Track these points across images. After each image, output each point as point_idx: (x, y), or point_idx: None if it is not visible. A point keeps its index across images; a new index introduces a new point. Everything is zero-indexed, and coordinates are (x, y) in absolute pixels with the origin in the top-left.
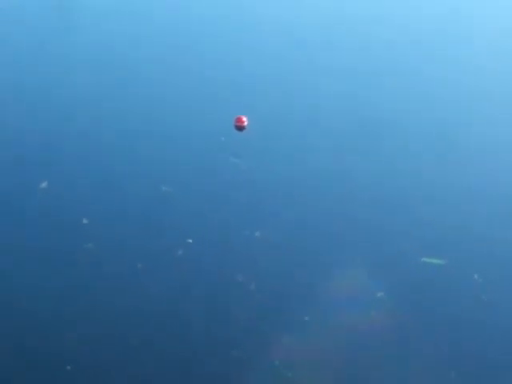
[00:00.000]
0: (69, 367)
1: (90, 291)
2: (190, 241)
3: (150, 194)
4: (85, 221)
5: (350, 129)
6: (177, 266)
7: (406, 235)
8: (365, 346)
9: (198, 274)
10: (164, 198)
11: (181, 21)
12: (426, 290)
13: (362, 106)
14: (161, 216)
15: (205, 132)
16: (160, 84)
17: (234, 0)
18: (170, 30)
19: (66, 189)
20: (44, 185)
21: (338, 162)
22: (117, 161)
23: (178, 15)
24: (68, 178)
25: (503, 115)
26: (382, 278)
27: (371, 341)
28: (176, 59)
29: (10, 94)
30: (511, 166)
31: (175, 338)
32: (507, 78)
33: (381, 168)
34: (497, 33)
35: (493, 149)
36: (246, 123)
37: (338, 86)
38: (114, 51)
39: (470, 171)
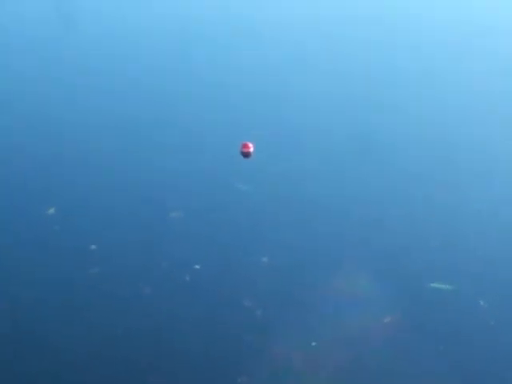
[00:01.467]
0: None
1: (95, 315)
2: (198, 267)
3: (157, 219)
4: (93, 247)
5: (354, 151)
6: (184, 291)
7: (413, 259)
8: (373, 371)
9: (204, 300)
10: (172, 224)
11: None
12: (432, 315)
13: (370, 124)
14: (168, 242)
15: (212, 157)
16: (162, 107)
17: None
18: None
19: (74, 215)
20: (51, 211)
21: (344, 184)
22: (124, 185)
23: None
24: (75, 204)
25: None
26: (389, 302)
27: (380, 367)
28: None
29: (12, 115)
30: None
31: (181, 364)
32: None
33: (388, 191)
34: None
35: (504, 167)
36: (251, 149)
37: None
38: (115, 63)
39: (478, 193)
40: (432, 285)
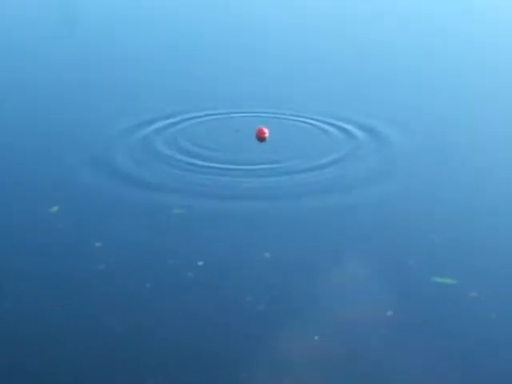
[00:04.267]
0: None
1: (99, 311)
2: (201, 263)
3: (160, 216)
4: (98, 244)
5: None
6: (187, 287)
7: (415, 254)
8: (375, 366)
9: (207, 296)
10: (174, 220)
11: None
12: (434, 309)
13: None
14: (171, 238)
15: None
16: None
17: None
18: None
19: (78, 213)
20: (55, 209)
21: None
22: (126, 184)
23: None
24: (79, 202)
25: None
26: (391, 296)
27: (382, 362)
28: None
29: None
30: None
31: (184, 361)
32: None
33: (395, 187)
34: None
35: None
36: (267, 134)
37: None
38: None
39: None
40: (434, 279)
